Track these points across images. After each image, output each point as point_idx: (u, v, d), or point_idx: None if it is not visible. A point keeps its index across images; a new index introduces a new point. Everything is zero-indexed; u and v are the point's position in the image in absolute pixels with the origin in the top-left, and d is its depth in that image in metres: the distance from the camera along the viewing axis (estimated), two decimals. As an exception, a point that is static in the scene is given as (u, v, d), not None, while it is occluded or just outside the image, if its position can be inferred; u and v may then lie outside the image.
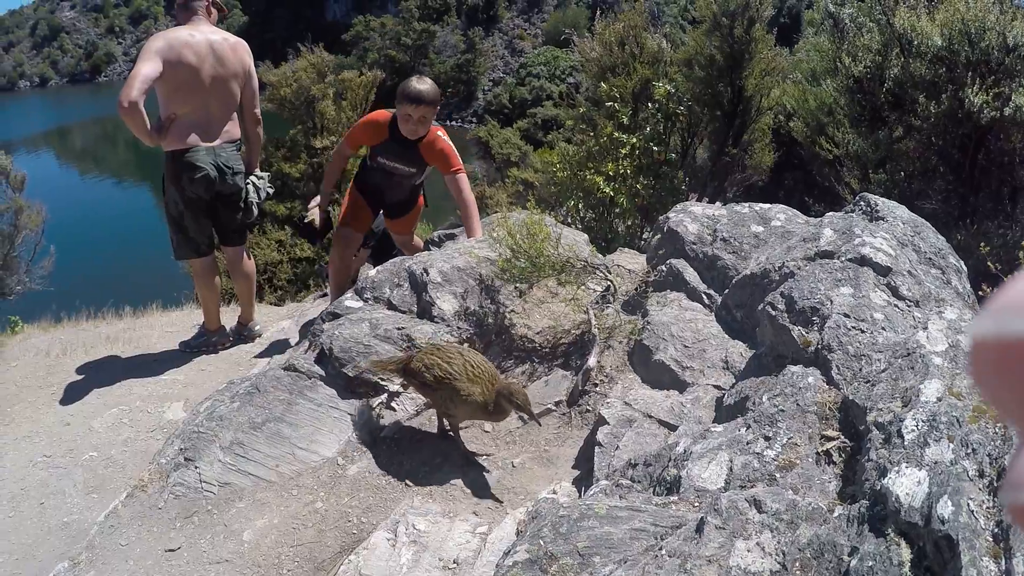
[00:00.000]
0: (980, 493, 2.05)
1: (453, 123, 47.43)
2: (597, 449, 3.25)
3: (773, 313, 3.07)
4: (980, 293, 4.40)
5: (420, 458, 3.55)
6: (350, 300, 4.35)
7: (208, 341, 5.35)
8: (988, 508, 2.01)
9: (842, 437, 2.47)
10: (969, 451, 2.13)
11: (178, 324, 6.14)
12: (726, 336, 3.75)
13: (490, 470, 3.49)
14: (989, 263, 4.22)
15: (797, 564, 1.87)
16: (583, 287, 4.31)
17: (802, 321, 2.98)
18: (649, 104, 10.94)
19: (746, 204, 4.60)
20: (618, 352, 3.99)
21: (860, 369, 2.70)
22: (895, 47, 8.36)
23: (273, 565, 2.92)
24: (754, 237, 4.15)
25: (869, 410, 2.42)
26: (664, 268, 4.23)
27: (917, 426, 2.18)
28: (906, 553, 1.80)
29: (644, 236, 9.62)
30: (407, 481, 3.40)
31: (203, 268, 5.11)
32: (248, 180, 5.10)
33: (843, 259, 3.31)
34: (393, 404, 3.83)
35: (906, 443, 2.13)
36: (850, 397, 2.54)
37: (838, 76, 9.19)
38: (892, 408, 2.37)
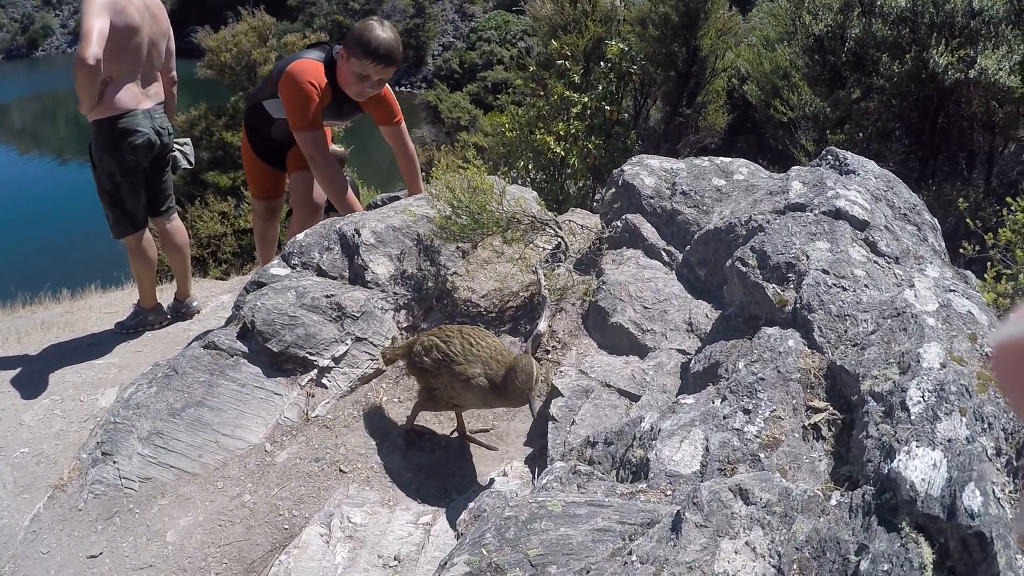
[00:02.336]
0: (1001, 475, 1.74)
1: (402, 88, 46.48)
2: (551, 425, 2.90)
3: (743, 270, 2.72)
4: (961, 251, 4.14)
5: (356, 440, 3.21)
6: (276, 267, 3.92)
7: (144, 320, 5.07)
8: (1011, 493, 1.69)
9: (831, 408, 2.14)
10: (985, 426, 1.81)
11: (118, 304, 5.88)
12: (689, 296, 3.41)
13: (433, 450, 3.14)
14: (968, 220, 3.97)
15: (795, 567, 1.53)
16: (531, 245, 3.92)
17: (776, 278, 2.64)
18: (601, 63, 10.57)
19: (705, 158, 4.26)
20: (571, 315, 3.63)
21: (845, 331, 2.37)
22: (856, 7, 8.14)
23: (200, 568, 2.72)
24: (716, 191, 3.81)
25: (862, 377, 2.09)
26: (619, 224, 3.86)
27: (924, 397, 1.85)
28: (927, 552, 1.47)
29: (596, 198, 9.27)
30: (341, 467, 3.08)
31: (138, 243, 4.80)
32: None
33: (816, 212, 2.98)
34: (324, 380, 3.44)
35: (913, 417, 1.80)
36: (838, 362, 2.21)
37: (797, 36, 8.95)
38: (889, 375, 2.04)
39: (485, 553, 1.66)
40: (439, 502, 2.87)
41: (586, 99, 9.68)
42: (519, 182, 9.30)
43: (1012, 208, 4.23)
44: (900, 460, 1.71)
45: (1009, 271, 3.72)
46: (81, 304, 6.20)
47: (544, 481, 2.02)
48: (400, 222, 4.06)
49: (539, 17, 12.55)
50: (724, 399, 2.17)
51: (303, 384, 3.40)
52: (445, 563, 1.75)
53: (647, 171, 4.06)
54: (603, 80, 10.42)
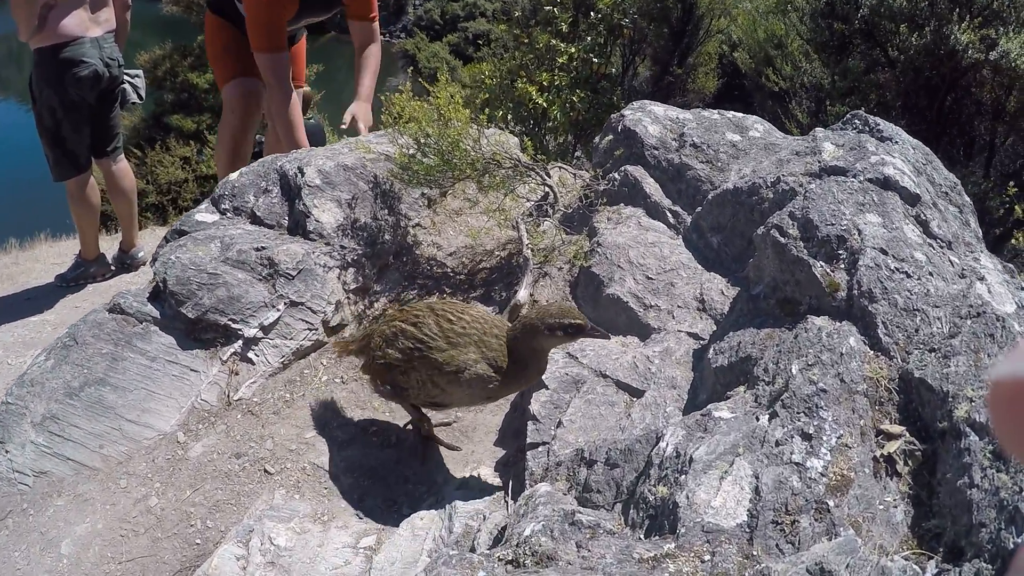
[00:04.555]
0: None
1: (381, 37, 45.14)
2: (531, 426, 2.35)
3: (782, 240, 2.17)
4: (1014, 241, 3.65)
5: (287, 431, 2.68)
6: (203, 212, 3.32)
7: (86, 272, 4.69)
8: None
9: (906, 434, 1.61)
10: None
11: (66, 255, 5.40)
12: (699, 266, 2.87)
13: (382, 446, 2.62)
14: (1018, 208, 3.47)
15: None
16: (512, 195, 3.32)
17: (825, 255, 2.10)
18: (592, 13, 9.91)
19: (715, 111, 3.70)
20: (557, 282, 3.08)
21: (916, 330, 1.84)
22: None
23: (96, 588, 2.26)
24: (731, 146, 3.25)
25: (953, 398, 1.56)
26: (618, 176, 3.29)
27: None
28: None
29: (577, 154, 8.70)
30: (267, 466, 2.56)
31: (80, 187, 4.42)
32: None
33: (862, 179, 2.43)
34: (251, 354, 2.88)
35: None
36: (915, 373, 1.68)
37: (802, 1, 8.40)
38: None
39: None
40: (385, 518, 2.34)
41: (573, 50, 9.06)
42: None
43: None
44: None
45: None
46: (29, 255, 5.79)
47: (526, 532, 1.45)
48: (354, 160, 3.44)
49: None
50: (774, 415, 1.61)
51: (225, 359, 2.84)
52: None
53: (651, 118, 3.48)
54: (592, 32, 9.78)
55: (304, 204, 3.22)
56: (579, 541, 1.40)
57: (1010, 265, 2.95)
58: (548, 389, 2.42)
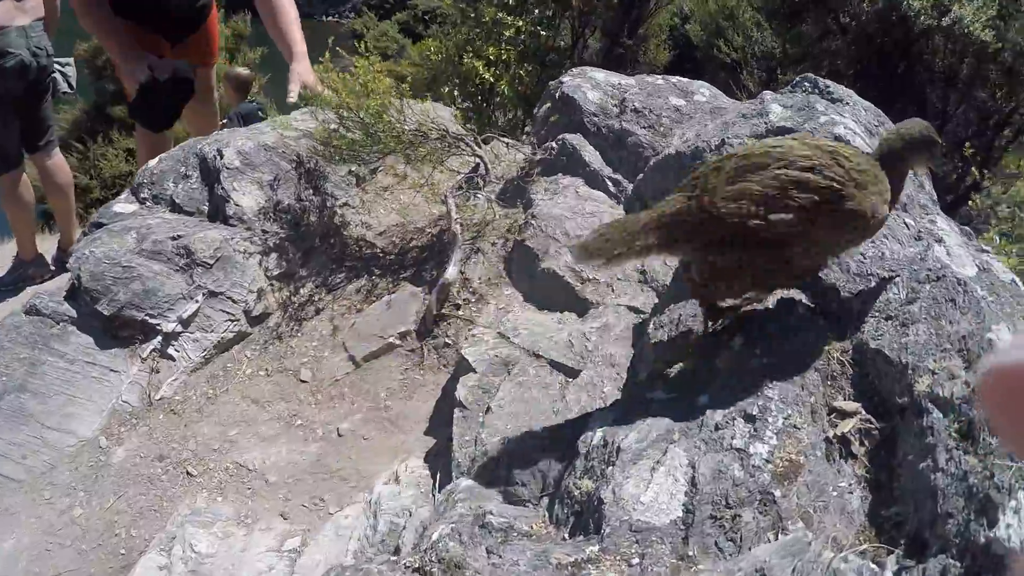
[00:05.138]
0: None
1: (330, 17, 44.26)
2: (457, 414, 2.18)
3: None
4: (970, 204, 3.55)
5: (209, 430, 2.56)
6: (122, 202, 3.13)
7: (24, 274, 4.39)
8: None
9: (862, 411, 1.44)
10: None
11: (6, 257, 5.04)
12: (642, 236, 2.69)
13: (306, 442, 2.48)
14: (974, 170, 3.37)
15: None
16: (441, 168, 3.11)
17: (774, 219, 1.92)
18: (542, -16, 9.70)
19: (659, 76, 3.52)
20: (491, 258, 2.88)
21: (876, 295, 1.68)
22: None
23: (24, 609, 2.16)
24: (675, 111, 3.08)
25: (913, 370, 1.40)
26: (555, 145, 3.10)
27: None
28: None
29: (526, 129, 8.50)
30: (190, 468, 2.46)
31: (12, 184, 4.11)
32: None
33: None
34: (171, 350, 2.70)
35: None
36: (871, 344, 1.52)
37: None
38: (955, 371, 1.36)
39: None
40: (311, 518, 2.22)
41: (520, 23, 8.84)
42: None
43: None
44: (1007, 525, 1.03)
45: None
46: (-30, 257, 5.53)
47: (435, 536, 1.25)
48: (275, 139, 3.23)
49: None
50: (714, 395, 1.43)
51: (144, 356, 2.71)
52: None
53: (590, 84, 3.30)
54: (540, 5, 9.56)
55: (223, 188, 3.04)
56: (490, 546, 1.22)
57: (966, 228, 2.83)
58: (476, 372, 2.23)
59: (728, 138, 2.52)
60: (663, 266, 2.51)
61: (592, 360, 2.20)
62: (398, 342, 2.79)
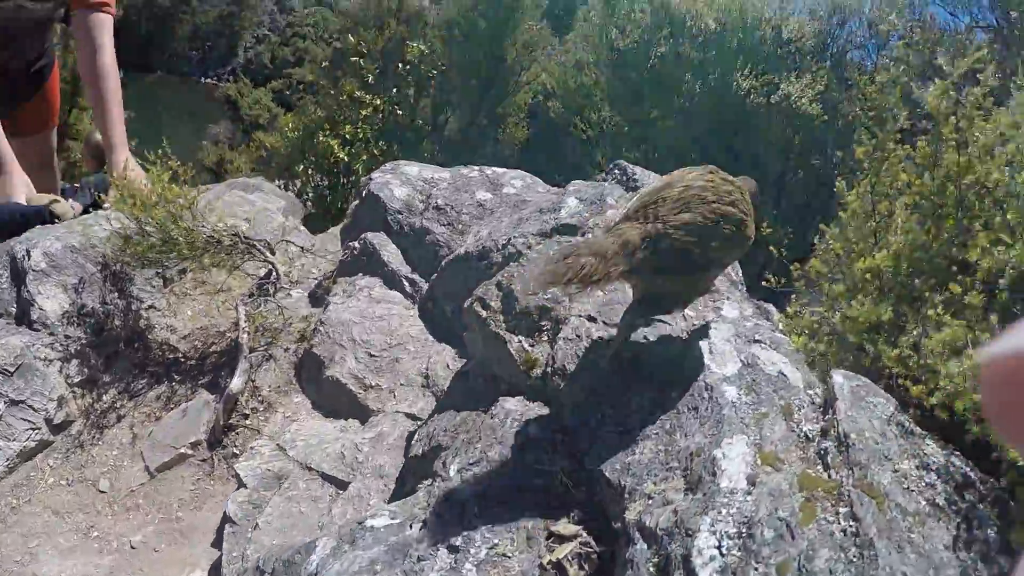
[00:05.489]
0: None
1: (208, 79, 43.67)
2: (228, 530, 2.08)
3: (483, 314, 1.98)
4: (765, 283, 3.65)
5: (12, 540, 2.41)
6: None
7: None
8: None
9: (583, 534, 1.42)
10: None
11: None
12: (430, 338, 2.66)
13: (102, 551, 2.34)
14: (772, 248, 3.49)
15: None
16: (237, 272, 3.02)
17: (526, 327, 1.91)
18: (400, 64, 9.80)
19: (476, 167, 3.55)
20: (283, 365, 2.79)
21: (612, 407, 1.67)
22: (666, 26, 7.91)
23: None
24: (478, 206, 3.09)
25: (629, 493, 1.39)
26: (358, 245, 3.05)
27: (721, 549, 1.15)
28: None
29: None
30: None
31: None
32: None
33: (590, 236, 2.31)
34: None
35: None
36: (597, 463, 1.50)
37: (603, 51, 8.63)
38: (670, 496, 1.36)
39: None
40: None
41: (379, 101, 8.89)
42: (298, 188, 8.39)
43: (826, 237, 3.73)
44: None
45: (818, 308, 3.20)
46: None
47: None
48: (82, 241, 3.08)
49: (343, 11, 11.67)
50: (425, 523, 1.38)
51: None
52: None
53: (401, 180, 3.28)
54: (401, 82, 9.67)
55: (29, 291, 2.90)
56: None
57: (768, 306, 2.91)
58: (246, 488, 2.13)
59: (514, 237, 2.52)
60: (446, 369, 2.48)
61: (362, 472, 2.13)
62: (190, 452, 2.66)
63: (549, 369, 1.77)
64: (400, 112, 8.81)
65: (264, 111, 26.58)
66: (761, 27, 7.62)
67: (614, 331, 1.85)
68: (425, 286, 2.86)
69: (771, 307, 2.95)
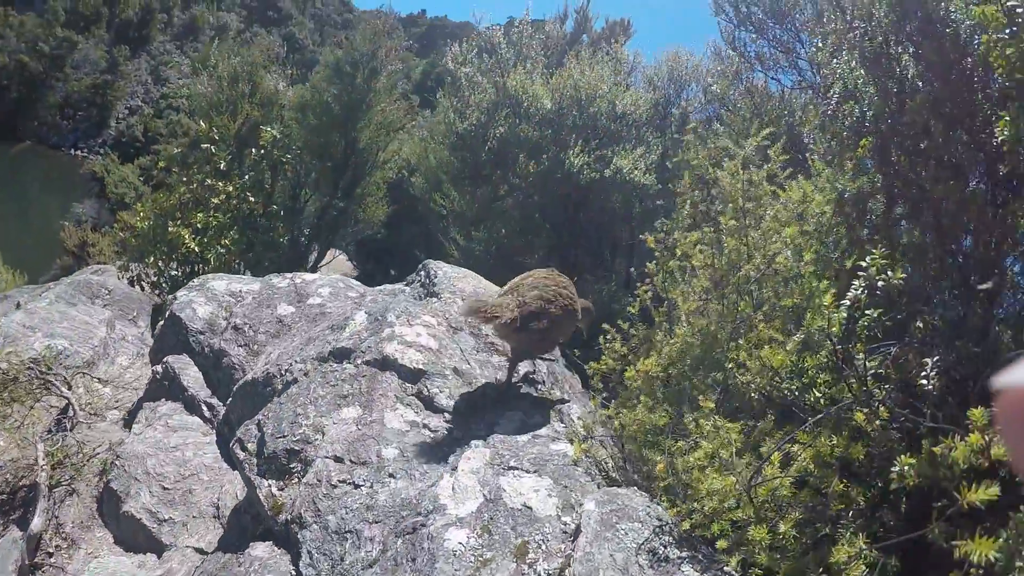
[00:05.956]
0: None
1: (77, 151, 42.17)
2: None
3: (241, 456, 2.11)
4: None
5: None
6: None
7: None
8: None
9: None
10: None
11: None
12: (224, 466, 2.75)
13: None
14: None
15: None
16: (36, 407, 3.05)
17: (277, 470, 2.05)
18: (253, 150, 9.82)
19: (289, 275, 3.67)
20: (85, 499, 2.83)
21: (343, 557, 1.80)
22: (505, 108, 8.24)
23: None
24: (277, 322, 3.21)
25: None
26: (160, 369, 3.12)
27: None
28: None
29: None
30: None
31: None
32: None
33: (360, 361, 2.46)
34: None
35: None
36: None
37: (447, 133, 8.91)
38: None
39: None
40: None
41: (231, 188, 8.88)
42: (155, 278, 8.22)
43: (609, 335, 3.88)
44: None
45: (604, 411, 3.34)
46: None
47: None
48: None
49: (198, 93, 11.58)
50: None
51: None
52: None
53: (206, 297, 3.38)
54: (255, 168, 9.69)
55: None
56: None
57: (569, 406, 3.01)
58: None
59: (295, 362, 2.65)
60: (234, 500, 2.57)
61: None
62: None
63: (290, 517, 1.90)
64: (253, 199, 8.82)
65: (130, 189, 25.88)
66: (595, 103, 8.00)
67: (360, 470, 2.01)
68: (223, 411, 2.95)
69: (572, 407, 3.06)
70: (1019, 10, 2.03)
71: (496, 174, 7.81)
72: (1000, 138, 2.29)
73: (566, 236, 8.03)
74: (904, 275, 2.20)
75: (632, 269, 8.55)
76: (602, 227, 8.58)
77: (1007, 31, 2.14)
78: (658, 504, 2.02)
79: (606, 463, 2.46)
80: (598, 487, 2.16)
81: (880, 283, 2.16)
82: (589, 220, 8.30)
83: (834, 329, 2.33)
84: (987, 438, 1.66)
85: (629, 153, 7.81)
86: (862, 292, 2.19)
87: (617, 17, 11.72)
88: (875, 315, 2.31)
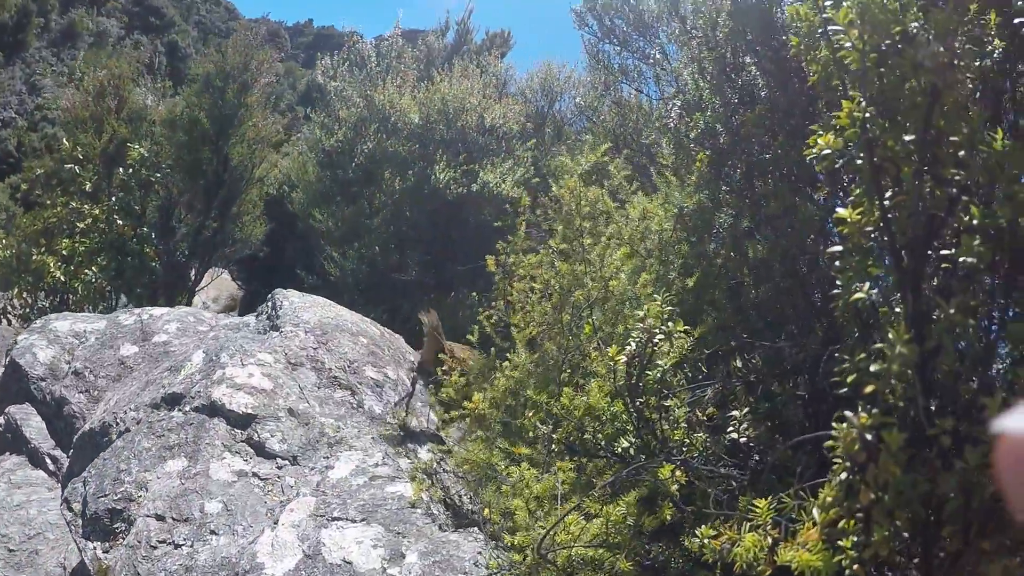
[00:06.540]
0: None
1: (-65, 167, 39.47)
2: None
3: (68, 518, 2.17)
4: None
5: None
6: None
7: None
8: None
9: None
10: None
11: None
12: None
13: None
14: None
15: None
16: None
17: (101, 531, 2.13)
18: (121, 169, 9.55)
19: (137, 311, 3.69)
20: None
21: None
22: (374, 123, 8.27)
23: None
24: (119, 364, 3.25)
25: None
26: (2, 421, 3.12)
27: None
28: None
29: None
30: None
31: None
32: None
33: (188, 408, 2.53)
34: None
35: None
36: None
37: (315, 150, 8.91)
38: None
39: None
40: None
41: (97, 211, 8.64)
42: (21, 310, 7.95)
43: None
44: None
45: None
46: None
47: None
48: None
49: (63, 108, 11.15)
50: None
51: None
52: None
53: (48, 339, 3.38)
54: (124, 188, 9.42)
55: None
56: None
57: (422, 447, 3.08)
58: None
59: (130, 410, 2.69)
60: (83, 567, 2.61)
61: None
62: None
63: (107, 577, 1.98)
64: (121, 222, 8.61)
65: (0, 211, 24.54)
66: (463, 117, 8.13)
67: (182, 527, 2.09)
68: (67, 464, 2.97)
69: (422, 441, 3.13)
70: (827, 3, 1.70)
71: (365, 191, 7.90)
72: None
73: (440, 252, 8.16)
74: (685, 327, 2.20)
75: (474, 293, 8.66)
76: (477, 241, 8.75)
77: (819, 31, 1.82)
78: (493, 549, 2.12)
79: (448, 502, 2.53)
80: (440, 529, 2.25)
81: (659, 336, 2.10)
82: (462, 236, 8.42)
83: (620, 383, 2.27)
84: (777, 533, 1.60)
85: (498, 167, 7.95)
86: (645, 346, 2.12)
87: (497, 29, 11.92)
88: (666, 367, 2.20)
